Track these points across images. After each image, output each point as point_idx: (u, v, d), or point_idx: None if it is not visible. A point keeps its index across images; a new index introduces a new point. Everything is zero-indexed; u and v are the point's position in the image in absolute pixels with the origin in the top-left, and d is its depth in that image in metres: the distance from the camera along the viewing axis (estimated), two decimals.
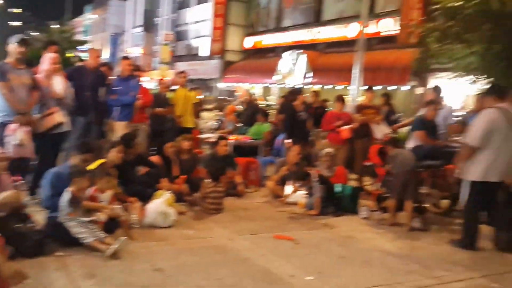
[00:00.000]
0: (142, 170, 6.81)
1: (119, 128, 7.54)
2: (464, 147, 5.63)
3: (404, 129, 8.95)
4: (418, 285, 4.44)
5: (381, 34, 18.62)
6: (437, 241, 5.86)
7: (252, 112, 10.95)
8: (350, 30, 20.15)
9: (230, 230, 5.69)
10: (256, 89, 25.25)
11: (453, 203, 7.02)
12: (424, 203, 6.83)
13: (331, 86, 18.88)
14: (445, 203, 7.22)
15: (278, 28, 25.89)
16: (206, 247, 5.03)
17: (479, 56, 7.48)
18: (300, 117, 8.37)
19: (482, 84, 7.47)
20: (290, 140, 8.09)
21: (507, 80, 7.31)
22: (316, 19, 23.22)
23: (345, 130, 8.38)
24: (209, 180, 6.58)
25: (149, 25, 40.14)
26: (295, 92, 8.89)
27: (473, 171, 5.50)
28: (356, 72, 11.83)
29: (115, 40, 47.81)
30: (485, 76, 7.50)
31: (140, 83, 8.50)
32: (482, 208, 5.75)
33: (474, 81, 7.73)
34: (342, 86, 17.35)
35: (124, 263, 4.41)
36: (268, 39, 26.49)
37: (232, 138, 9.24)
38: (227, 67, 28.30)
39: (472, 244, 5.60)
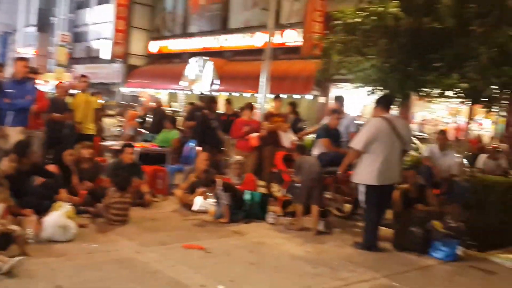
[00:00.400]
0: (38, 180, 6.35)
1: (13, 135, 6.97)
2: (350, 151, 6.05)
3: (309, 137, 9.25)
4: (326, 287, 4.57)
5: (286, 44, 19.18)
6: (341, 244, 6.11)
7: (159, 119, 10.70)
8: (256, 39, 20.52)
9: (136, 242, 5.47)
10: (162, 95, 24.79)
11: (355, 207, 7.34)
12: (328, 207, 7.09)
13: (238, 94, 19.07)
14: (348, 207, 7.54)
15: (185, 34, 25.69)
16: (111, 261, 4.79)
17: (377, 69, 7.90)
18: (211, 125, 8.34)
19: (380, 95, 7.91)
20: (201, 148, 8.03)
21: (402, 91, 7.81)
22: (223, 27, 23.37)
23: (254, 138, 8.46)
24: (114, 189, 6.30)
25: (44, 25, 37.91)
26: (211, 101, 8.87)
27: (363, 175, 5.92)
28: (263, 81, 12.03)
29: (5, 40, 44.57)
30: (382, 87, 7.94)
31: (36, 86, 7.94)
32: (381, 211, 6.13)
33: (372, 92, 8.14)
34: (249, 94, 17.62)
35: (20, 281, 4.06)
36: (174, 45, 26.19)
37: (138, 146, 8.94)
38: (131, 72, 27.53)
39: (373, 245, 5.91)
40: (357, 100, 13.90)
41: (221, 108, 11.11)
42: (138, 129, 11.92)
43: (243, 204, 6.90)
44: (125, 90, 27.43)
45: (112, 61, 28.34)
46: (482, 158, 10.42)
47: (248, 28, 21.52)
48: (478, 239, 6.22)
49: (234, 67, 21.08)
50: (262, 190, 7.86)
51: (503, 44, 6.37)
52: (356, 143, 5.94)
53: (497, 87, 6.95)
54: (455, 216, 6.43)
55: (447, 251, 5.68)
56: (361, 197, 6.03)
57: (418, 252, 5.81)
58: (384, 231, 6.41)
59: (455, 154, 8.24)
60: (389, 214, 6.89)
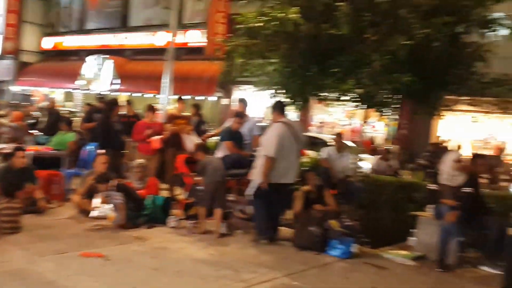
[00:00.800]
0: None
1: None
2: (264, 159, 6.21)
3: (213, 139, 9.25)
4: None
5: (189, 44, 19.09)
6: (244, 245, 6.19)
7: (54, 120, 10.10)
8: (158, 39, 20.18)
9: (30, 252, 5.14)
10: (57, 94, 23.52)
11: None
12: (231, 210, 7.15)
13: (140, 94, 18.63)
14: (250, 209, 7.64)
15: (82, 31, 24.64)
16: (2, 273, 4.47)
17: (279, 73, 8.12)
18: (114, 127, 8.07)
19: (283, 97, 8.14)
20: (103, 151, 7.71)
21: (302, 95, 8.10)
22: (123, 24, 22.72)
23: (156, 140, 8.29)
24: (2, 196, 5.87)
25: None
26: (112, 103, 8.54)
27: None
28: (165, 81, 11.86)
29: None
30: (284, 91, 8.17)
31: None
32: (281, 209, 6.49)
33: (275, 95, 8.34)
34: (151, 95, 17.28)
35: None
36: (70, 41, 25.00)
37: (31, 149, 8.38)
38: (22, 69, 25.84)
39: (266, 237, 6.28)
40: (261, 102, 14.20)
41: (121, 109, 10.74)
42: (24, 131, 11.12)
43: (144, 208, 6.74)
44: (16, 88, 25.66)
45: (1, 57, 26.43)
46: (375, 159, 11.11)
47: (149, 27, 21.14)
48: (371, 236, 6.62)
49: (135, 66, 20.60)
50: (165, 194, 7.74)
51: (394, 52, 6.82)
52: (269, 151, 6.18)
53: (389, 92, 7.44)
54: (351, 215, 6.80)
55: (343, 249, 5.96)
56: (252, 192, 6.31)
57: (317, 251, 6.03)
58: (285, 231, 6.62)
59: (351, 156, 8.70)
60: (290, 215, 7.12)
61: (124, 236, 6.11)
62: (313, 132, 16.41)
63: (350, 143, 13.36)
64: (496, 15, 7.74)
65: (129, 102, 10.06)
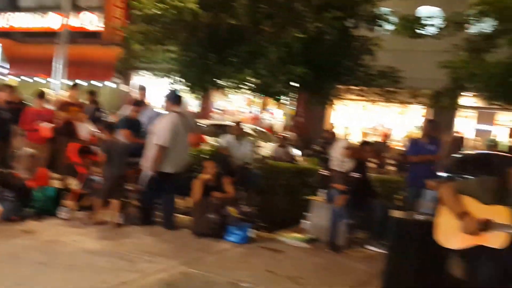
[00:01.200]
0: None
1: None
2: (156, 148, 6.27)
3: None
4: (123, 281, 4.48)
5: (85, 28, 18.24)
6: (140, 235, 6.11)
7: None
8: (51, 21, 19.06)
9: None
10: None
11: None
12: (128, 199, 7.01)
13: (30, 79, 17.53)
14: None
15: None
16: None
17: (177, 61, 8.08)
18: (2, 116, 7.53)
19: (181, 86, 8.11)
20: None
21: (201, 84, 8.13)
22: (12, 5, 21.16)
23: (46, 129, 7.85)
24: None
25: None
26: None
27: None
28: (58, 66, 11.25)
29: None
30: (183, 79, 8.15)
31: None
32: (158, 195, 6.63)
33: (174, 83, 8.29)
34: (43, 80, 16.34)
35: None
36: None
37: None
38: None
39: (148, 221, 6.51)
40: (161, 89, 13.97)
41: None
42: None
43: (31, 199, 6.39)
44: None
45: None
46: (273, 146, 11.41)
47: (41, 8, 19.86)
48: (268, 221, 6.84)
49: (25, 49, 19.30)
50: (57, 184, 7.37)
51: (289, 44, 7.07)
52: (163, 141, 6.20)
53: (284, 82, 7.71)
54: (249, 201, 6.97)
55: (240, 235, 6.11)
56: (145, 181, 6.42)
57: (215, 237, 6.13)
58: (184, 218, 6.63)
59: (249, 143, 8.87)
60: (189, 203, 7.14)
61: (10, 230, 5.74)
62: (216, 120, 16.47)
63: (259, 128, 13.59)
64: (383, 10, 8.31)
65: (12, 88, 9.36)
